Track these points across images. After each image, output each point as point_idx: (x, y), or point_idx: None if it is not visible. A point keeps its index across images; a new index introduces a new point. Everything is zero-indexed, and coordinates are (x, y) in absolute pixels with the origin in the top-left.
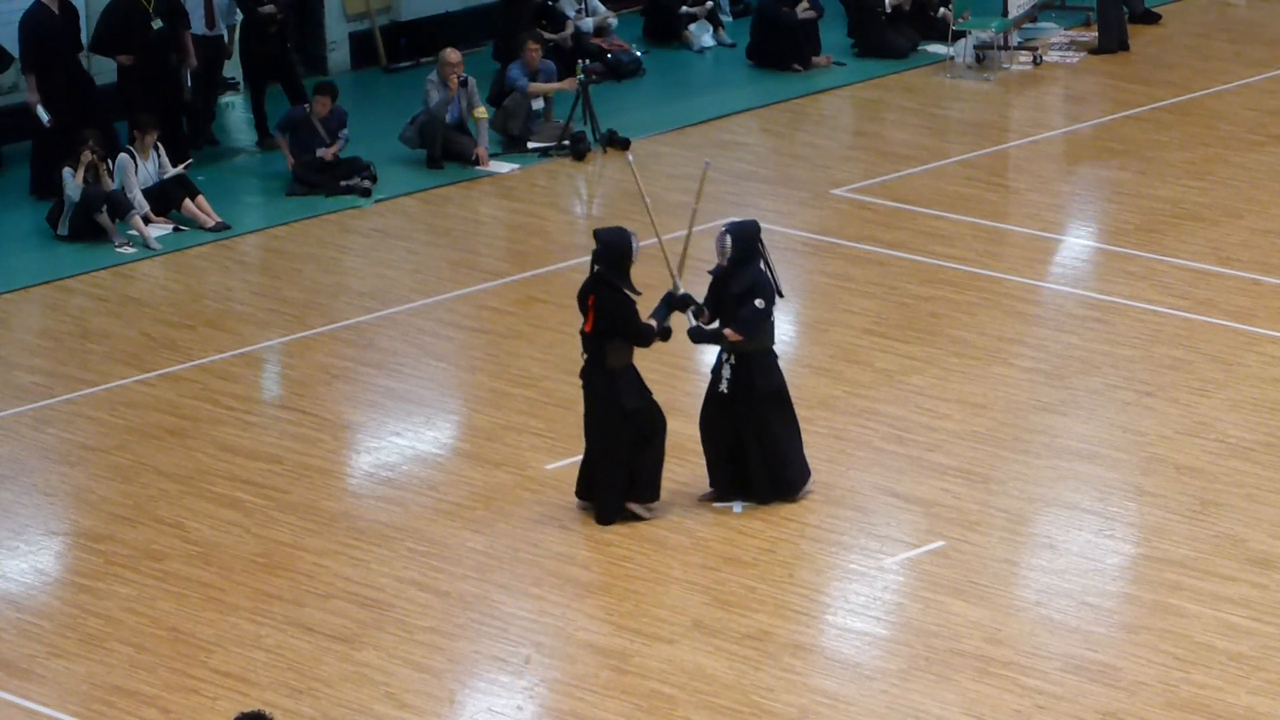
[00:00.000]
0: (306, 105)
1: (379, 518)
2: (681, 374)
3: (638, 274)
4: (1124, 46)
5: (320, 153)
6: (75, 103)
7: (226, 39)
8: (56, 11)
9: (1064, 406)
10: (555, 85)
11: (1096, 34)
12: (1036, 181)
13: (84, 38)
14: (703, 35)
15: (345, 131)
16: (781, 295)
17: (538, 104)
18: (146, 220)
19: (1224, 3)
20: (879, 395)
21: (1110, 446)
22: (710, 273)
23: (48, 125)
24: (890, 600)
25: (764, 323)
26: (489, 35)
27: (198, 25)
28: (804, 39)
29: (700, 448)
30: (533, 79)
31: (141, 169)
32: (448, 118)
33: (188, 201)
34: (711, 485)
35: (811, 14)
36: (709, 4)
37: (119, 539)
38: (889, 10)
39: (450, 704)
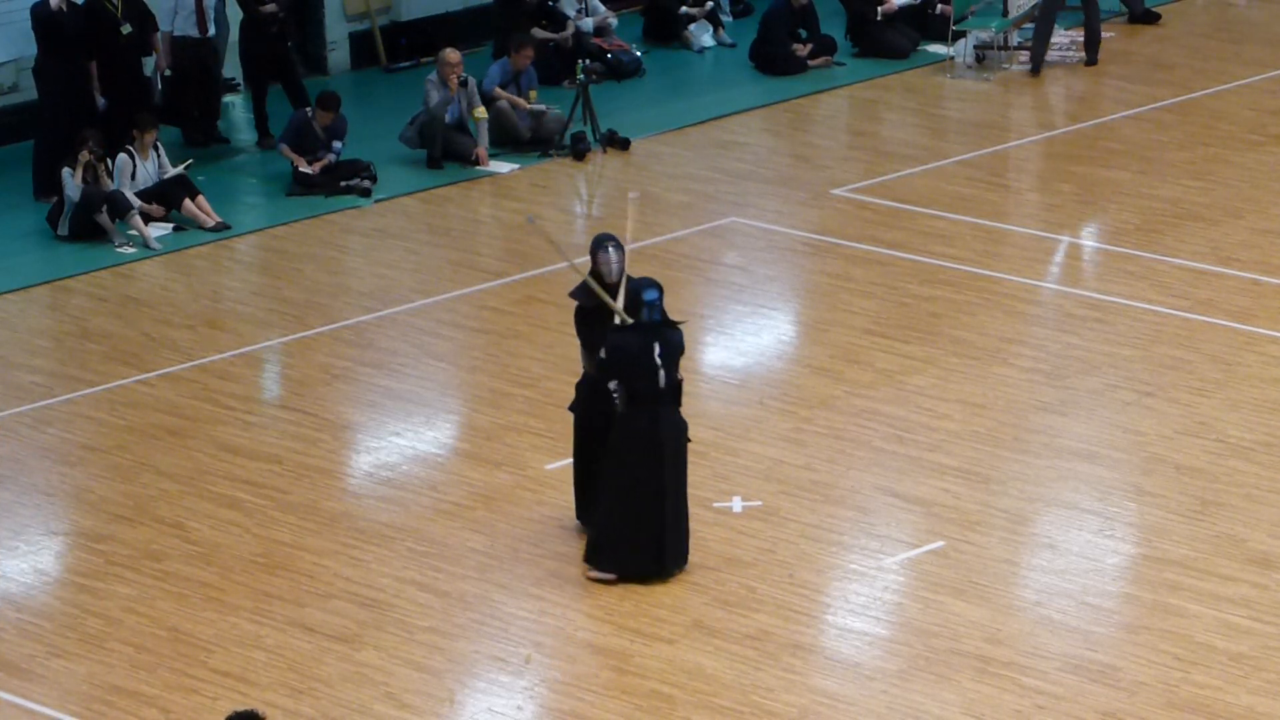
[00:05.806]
0: (309, 109)
1: (379, 518)
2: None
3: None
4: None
5: (303, 168)
6: (83, 99)
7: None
8: (64, 7)
9: (1064, 406)
10: (507, 96)
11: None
12: (1036, 181)
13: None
14: (703, 35)
15: (339, 144)
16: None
17: (533, 105)
18: (145, 220)
19: (1224, 3)
20: (879, 395)
21: (1110, 446)
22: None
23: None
24: (890, 600)
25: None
26: (489, 35)
27: (190, 28)
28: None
29: (700, 450)
30: (515, 80)
31: (141, 169)
32: (448, 118)
33: (188, 201)
34: None
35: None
36: (709, 4)
37: (119, 539)
38: (880, 16)
39: (450, 704)
